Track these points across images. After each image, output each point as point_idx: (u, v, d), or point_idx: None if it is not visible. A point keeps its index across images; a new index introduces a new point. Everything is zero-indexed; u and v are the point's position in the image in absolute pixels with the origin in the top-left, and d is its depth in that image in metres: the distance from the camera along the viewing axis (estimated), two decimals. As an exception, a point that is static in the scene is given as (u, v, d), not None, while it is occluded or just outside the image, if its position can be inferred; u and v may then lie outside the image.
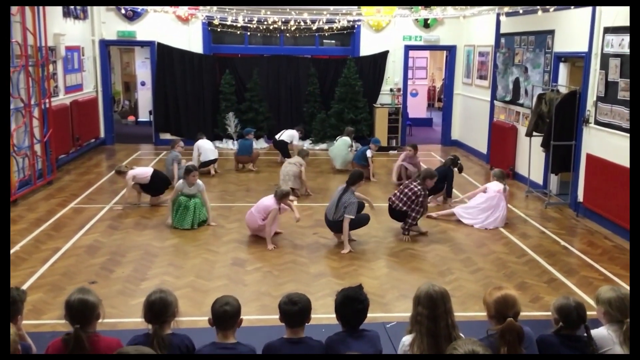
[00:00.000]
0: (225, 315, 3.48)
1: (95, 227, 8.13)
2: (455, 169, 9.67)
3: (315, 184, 10.64)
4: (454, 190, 9.66)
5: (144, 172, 9.04)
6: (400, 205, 7.78)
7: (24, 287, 5.93)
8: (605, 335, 3.53)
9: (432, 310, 3.40)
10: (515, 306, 3.41)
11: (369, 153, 11.13)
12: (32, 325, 5.10)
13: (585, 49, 8.81)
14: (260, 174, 11.46)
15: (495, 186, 8.58)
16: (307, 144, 14.05)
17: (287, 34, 14.31)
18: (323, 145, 13.89)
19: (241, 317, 3.59)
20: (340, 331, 3.70)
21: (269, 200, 7.59)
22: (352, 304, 3.66)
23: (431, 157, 13.26)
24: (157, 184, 9.11)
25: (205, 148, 11.26)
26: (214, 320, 3.53)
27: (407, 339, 3.50)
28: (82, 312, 3.34)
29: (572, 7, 9.21)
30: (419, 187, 7.80)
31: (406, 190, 7.82)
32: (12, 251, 7.10)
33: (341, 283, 6.29)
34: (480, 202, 8.51)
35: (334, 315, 3.73)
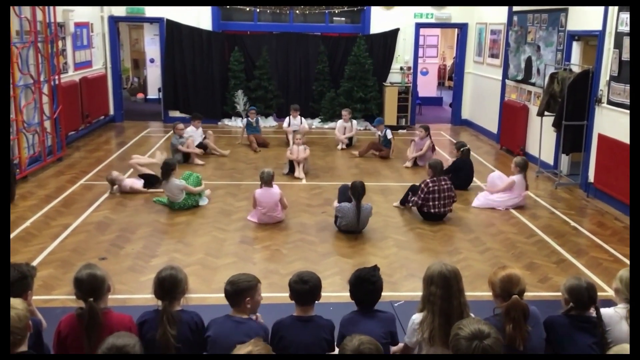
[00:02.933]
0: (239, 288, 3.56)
1: (105, 204, 8.16)
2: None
3: (324, 163, 10.62)
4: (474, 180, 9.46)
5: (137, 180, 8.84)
6: (448, 208, 7.73)
7: (34, 263, 6.01)
8: (612, 314, 3.55)
9: (446, 290, 3.41)
10: (520, 284, 3.42)
11: (389, 134, 11.23)
12: (42, 301, 5.15)
13: (599, 28, 8.68)
14: (269, 151, 11.44)
15: (521, 183, 8.35)
16: (316, 123, 14.05)
17: (297, 11, 14.18)
18: (332, 124, 13.83)
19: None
20: (354, 310, 3.74)
21: (275, 190, 7.47)
22: (363, 285, 3.70)
23: (441, 137, 13.18)
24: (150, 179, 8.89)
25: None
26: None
27: (417, 317, 3.51)
28: (92, 285, 3.37)
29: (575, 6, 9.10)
30: (449, 182, 7.79)
31: (445, 194, 7.64)
32: (22, 227, 7.16)
33: (349, 262, 6.31)
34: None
35: (342, 294, 3.75)
